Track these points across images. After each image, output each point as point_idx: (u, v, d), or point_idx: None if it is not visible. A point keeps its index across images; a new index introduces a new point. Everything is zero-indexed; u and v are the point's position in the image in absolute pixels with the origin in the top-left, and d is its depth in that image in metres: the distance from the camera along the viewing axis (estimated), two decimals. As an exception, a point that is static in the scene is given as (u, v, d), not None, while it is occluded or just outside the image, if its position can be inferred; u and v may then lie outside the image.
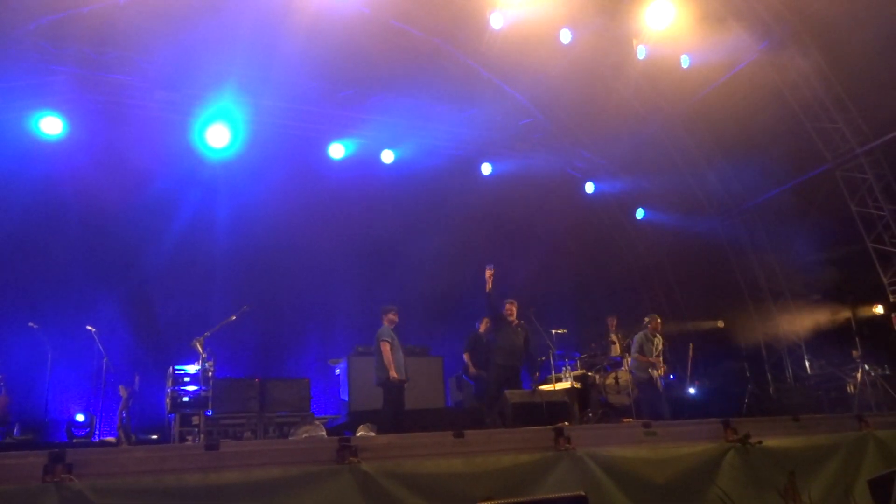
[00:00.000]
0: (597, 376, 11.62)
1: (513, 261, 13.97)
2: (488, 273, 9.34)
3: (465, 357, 10.38)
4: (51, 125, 11.04)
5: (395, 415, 9.22)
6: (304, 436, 8.79)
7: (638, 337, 10.86)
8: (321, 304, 12.94)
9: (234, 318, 9.50)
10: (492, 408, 9.35)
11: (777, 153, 12.33)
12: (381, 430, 9.05)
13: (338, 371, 11.77)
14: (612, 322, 12.48)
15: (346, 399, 10.94)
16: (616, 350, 12.27)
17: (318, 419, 10.13)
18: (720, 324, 13.98)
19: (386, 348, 9.15)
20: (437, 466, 5.11)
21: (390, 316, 9.55)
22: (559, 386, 10.75)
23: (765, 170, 12.83)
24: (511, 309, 9.92)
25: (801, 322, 13.83)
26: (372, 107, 12.65)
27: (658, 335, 10.91)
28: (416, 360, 10.96)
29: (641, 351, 10.67)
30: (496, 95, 13.42)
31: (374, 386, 9.53)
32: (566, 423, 8.16)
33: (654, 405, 10.46)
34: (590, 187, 15.27)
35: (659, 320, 11.05)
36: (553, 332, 10.91)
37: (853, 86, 11.81)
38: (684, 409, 10.38)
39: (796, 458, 6.26)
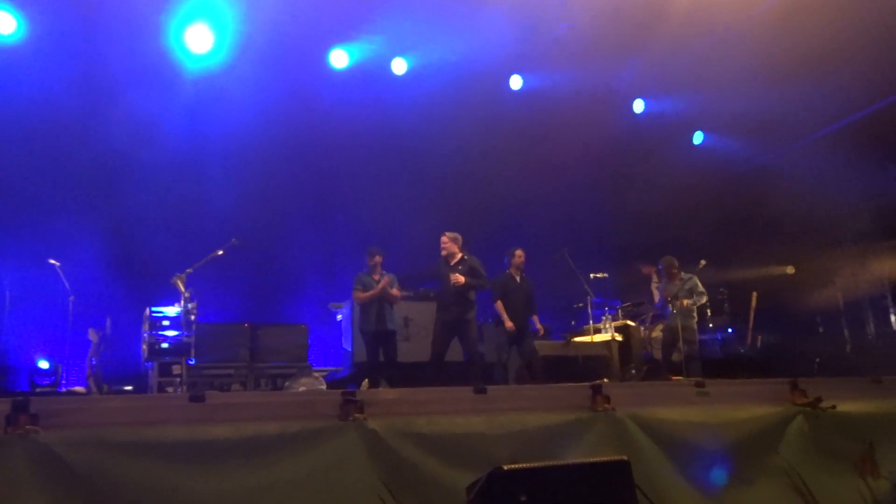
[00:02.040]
0: (641, 328, 11.70)
1: (545, 191, 13.79)
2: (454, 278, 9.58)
3: (498, 306, 10.12)
4: (1, 22, 10.76)
5: (369, 368, 9.62)
6: (301, 389, 8.88)
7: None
8: (322, 240, 12.85)
9: (220, 252, 9.47)
10: (436, 370, 9.59)
11: (857, 74, 12.02)
12: (370, 384, 9.25)
13: (340, 317, 11.84)
14: (651, 271, 12.53)
15: (350, 349, 11.01)
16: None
17: (317, 371, 10.21)
18: (790, 270, 13.91)
19: (356, 296, 9.83)
20: (454, 425, 5.22)
21: (368, 259, 9.91)
22: (597, 338, 10.80)
23: (843, 93, 12.56)
24: (442, 242, 9.96)
25: (887, 269, 13.77)
26: (380, 2, 12.24)
27: (675, 281, 11.16)
28: (431, 306, 11.02)
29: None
30: (530, -7, 13.24)
31: (381, 334, 10.42)
32: (605, 379, 8.30)
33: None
34: (638, 106, 14.93)
35: (675, 264, 11.26)
36: (591, 276, 10.96)
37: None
38: (744, 368, 10.49)
39: (875, 425, 6.26)
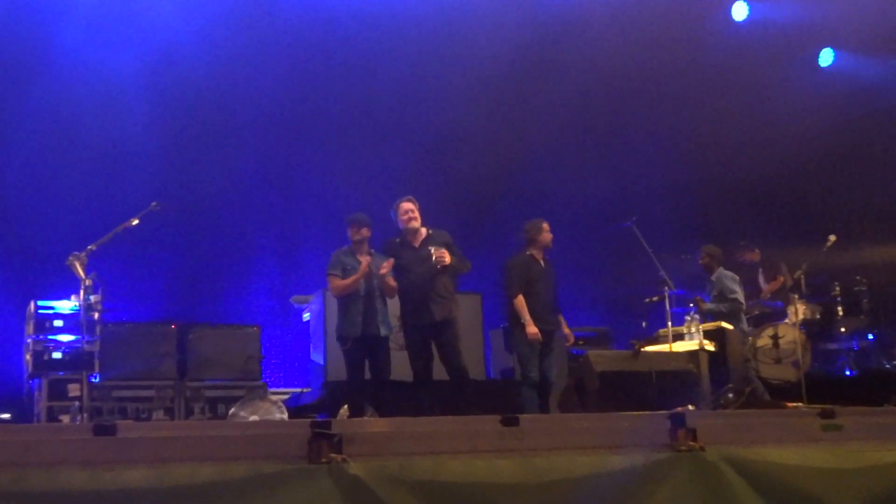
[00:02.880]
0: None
1: (601, 135, 13.74)
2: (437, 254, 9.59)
3: (519, 304, 9.96)
4: None
5: (351, 389, 9.54)
6: (252, 418, 8.97)
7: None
8: (282, 208, 12.97)
9: (135, 221, 9.32)
10: (426, 394, 9.61)
11: None
12: (351, 410, 9.22)
13: (307, 315, 11.79)
14: (756, 256, 12.59)
15: (322, 362, 10.96)
16: (772, 290, 12.42)
17: (274, 393, 10.36)
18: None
19: (333, 284, 9.60)
20: (472, 470, 5.21)
21: (351, 231, 9.70)
22: (679, 347, 10.69)
23: None
24: (407, 211, 9.76)
25: None
26: None
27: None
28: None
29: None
30: None
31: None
32: (689, 406, 8.40)
33: None
34: (740, 10, 14.89)
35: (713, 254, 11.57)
36: (681, 257, 11.02)
37: None
38: (892, 390, 10.34)
39: None
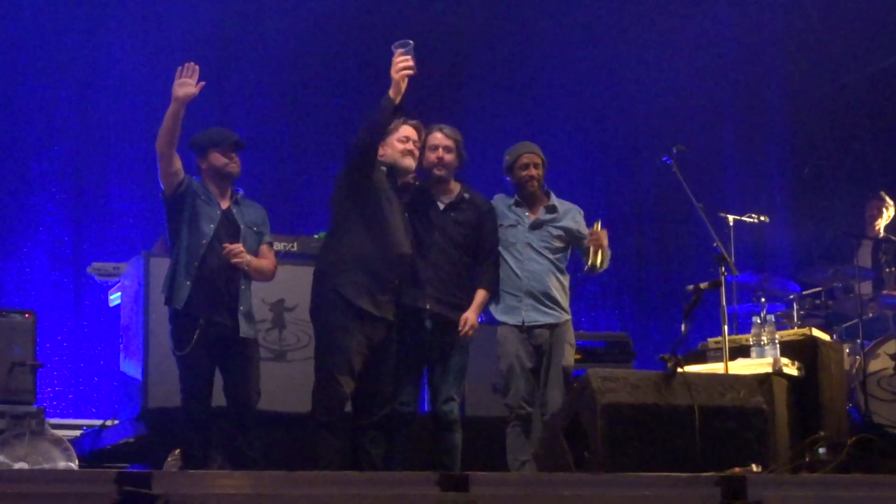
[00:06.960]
0: (846, 349, 11.34)
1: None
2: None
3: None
4: None
5: (188, 426, 9.36)
6: (18, 466, 9.44)
7: None
8: (76, 118, 12.72)
9: None
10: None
11: None
12: (185, 458, 9.15)
13: (116, 297, 11.41)
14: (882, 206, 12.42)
15: (139, 375, 10.47)
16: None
17: (56, 426, 10.25)
18: None
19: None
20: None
21: (212, 156, 9.27)
22: (742, 367, 10.60)
23: None
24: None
25: None
26: None
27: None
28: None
29: None
30: None
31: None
32: (754, 466, 8.56)
33: None
34: None
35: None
36: (730, 219, 11.02)
37: None
38: None
39: None
